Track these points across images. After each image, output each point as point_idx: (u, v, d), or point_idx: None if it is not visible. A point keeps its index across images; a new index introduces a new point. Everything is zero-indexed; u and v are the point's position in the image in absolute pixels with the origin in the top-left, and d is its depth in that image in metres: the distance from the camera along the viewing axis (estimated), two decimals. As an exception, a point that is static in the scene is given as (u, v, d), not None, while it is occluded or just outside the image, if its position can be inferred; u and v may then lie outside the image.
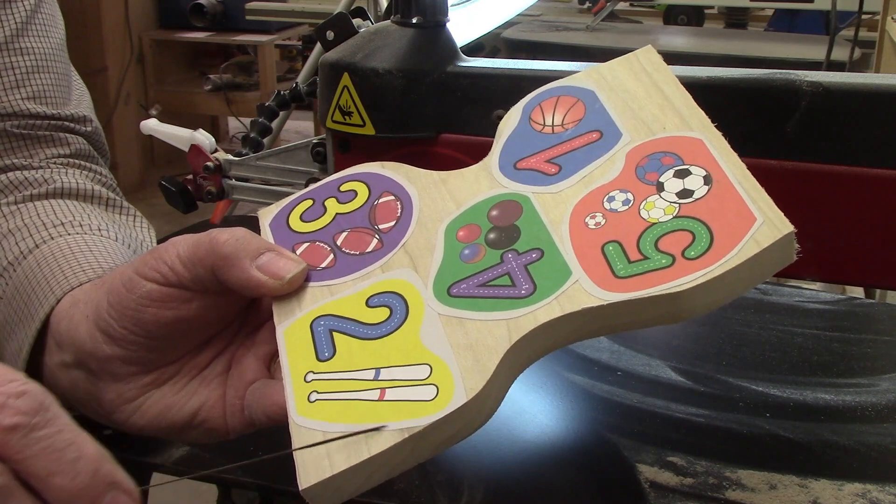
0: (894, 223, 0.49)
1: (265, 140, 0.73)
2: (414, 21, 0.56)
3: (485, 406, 0.37)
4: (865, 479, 0.49)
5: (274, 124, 0.74)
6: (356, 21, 0.60)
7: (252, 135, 0.72)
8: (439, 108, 0.56)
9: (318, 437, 0.36)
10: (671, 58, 0.46)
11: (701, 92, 0.50)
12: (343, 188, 0.46)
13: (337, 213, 0.45)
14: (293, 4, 2.83)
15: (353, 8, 0.92)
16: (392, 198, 0.45)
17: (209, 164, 0.67)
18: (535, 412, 0.55)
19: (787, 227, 0.36)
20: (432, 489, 0.47)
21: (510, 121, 0.47)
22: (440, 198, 0.45)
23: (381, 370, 0.38)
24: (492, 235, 0.42)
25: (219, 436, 0.43)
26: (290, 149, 0.65)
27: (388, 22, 0.58)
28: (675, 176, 0.40)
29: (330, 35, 0.58)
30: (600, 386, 0.58)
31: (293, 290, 0.42)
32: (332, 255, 0.44)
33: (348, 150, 0.58)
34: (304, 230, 0.45)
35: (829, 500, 0.47)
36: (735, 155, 0.40)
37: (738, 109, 0.50)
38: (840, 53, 1.88)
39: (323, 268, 0.43)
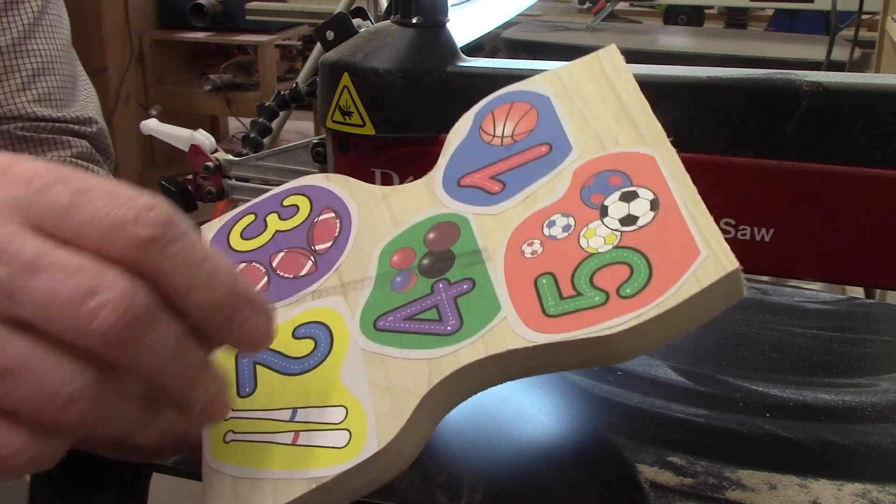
0: (894, 223, 0.49)
1: (265, 140, 0.73)
2: (414, 21, 0.56)
3: (402, 453, 0.35)
4: (865, 479, 0.49)
5: (274, 124, 0.74)
6: (356, 21, 0.60)
7: (252, 135, 0.72)
8: (439, 108, 0.56)
9: (228, 481, 0.34)
10: (671, 58, 0.46)
11: (701, 92, 0.50)
12: (286, 202, 0.44)
13: (276, 231, 0.43)
14: (293, 4, 2.83)
15: (353, 8, 0.92)
16: (332, 215, 0.43)
17: (209, 164, 0.67)
18: (535, 412, 0.55)
19: (732, 263, 0.34)
20: (432, 489, 0.47)
21: (460, 130, 0.44)
22: (379, 217, 0.42)
23: (298, 410, 0.36)
24: (425, 261, 0.39)
25: (150, 456, 0.41)
26: (290, 149, 0.65)
27: (388, 22, 0.58)
28: (620, 199, 0.38)
29: (330, 35, 0.58)
30: (600, 386, 0.58)
31: None
32: (266, 278, 0.41)
33: (348, 150, 0.58)
34: (243, 249, 0.42)
35: (829, 500, 0.47)
36: (687, 176, 0.38)
37: (738, 109, 0.50)
38: (840, 53, 1.88)
39: None
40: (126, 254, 0.27)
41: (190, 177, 0.68)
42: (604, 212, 0.38)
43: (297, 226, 0.43)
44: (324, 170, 0.62)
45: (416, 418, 0.35)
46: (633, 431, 0.53)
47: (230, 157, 0.68)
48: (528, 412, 0.55)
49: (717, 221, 0.50)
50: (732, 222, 0.51)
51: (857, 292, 1.45)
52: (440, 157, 0.44)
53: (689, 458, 0.50)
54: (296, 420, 0.35)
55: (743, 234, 0.51)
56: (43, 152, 0.64)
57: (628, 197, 0.37)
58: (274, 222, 0.43)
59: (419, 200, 0.42)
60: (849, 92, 0.48)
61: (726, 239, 0.51)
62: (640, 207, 0.37)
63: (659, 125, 0.40)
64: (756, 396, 0.57)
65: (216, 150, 0.68)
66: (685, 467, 0.49)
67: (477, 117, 0.44)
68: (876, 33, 1.90)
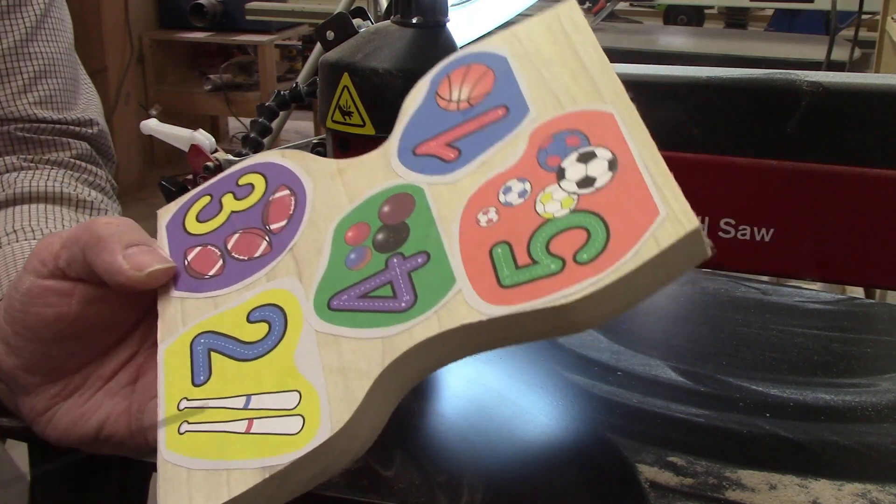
0: (894, 223, 0.49)
1: (265, 140, 0.73)
2: (414, 21, 0.56)
3: (357, 437, 0.34)
4: (865, 479, 0.49)
5: (274, 124, 0.74)
6: (356, 21, 0.60)
7: (252, 135, 0.72)
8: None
9: (183, 474, 0.34)
10: (671, 58, 0.45)
11: (701, 92, 0.50)
12: (241, 181, 0.43)
13: (232, 212, 0.42)
14: (293, 4, 2.83)
15: (353, 8, 0.92)
16: (287, 192, 0.41)
17: (209, 164, 0.67)
18: (535, 412, 0.55)
19: (692, 222, 0.32)
20: (432, 489, 0.47)
21: (416, 96, 0.43)
22: (335, 191, 0.40)
23: (252, 397, 0.35)
24: (380, 236, 0.38)
25: (129, 451, 0.41)
26: (290, 149, 0.65)
27: (388, 22, 0.57)
28: (578, 160, 0.36)
29: (330, 35, 0.58)
30: (600, 386, 0.58)
31: (156, 285, 0.40)
32: (221, 261, 0.40)
33: (348, 150, 0.58)
34: (198, 232, 0.42)
35: (829, 500, 0.47)
36: (646, 132, 0.36)
37: (738, 109, 0.50)
38: (840, 53, 1.88)
39: (211, 276, 0.40)
40: None
41: (190, 177, 0.68)
42: (561, 174, 0.36)
43: (253, 205, 0.42)
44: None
45: (370, 400, 0.34)
46: (633, 431, 0.53)
47: (230, 157, 0.68)
48: (528, 412, 0.55)
49: (716, 221, 0.51)
50: (732, 222, 0.51)
51: (857, 292, 1.45)
52: (395, 126, 0.42)
53: (689, 458, 0.50)
54: (249, 407, 0.35)
55: (743, 234, 0.51)
56: (42, 153, 0.64)
57: (586, 158, 0.36)
58: (229, 203, 0.42)
59: (374, 173, 0.41)
60: (849, 92, 0.48)
61: (726, 239, 0.51)
62: (598, 168, 0.35)
63: (619, 81, 0.38)
64: (756, 396, 0.57)
65: (216, 150, 0.68)
66: (685, 467, 0.49)
67: (433, 82, 0.43)
68: (876, 33, 1.90)
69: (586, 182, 0.35)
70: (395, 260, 0.37)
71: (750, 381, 0.59)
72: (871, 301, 0.83)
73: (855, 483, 0.48)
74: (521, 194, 0.36)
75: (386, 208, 0.39)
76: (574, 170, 0.36)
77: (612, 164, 0.35)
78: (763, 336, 0.65)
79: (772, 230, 0.50)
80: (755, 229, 0.50)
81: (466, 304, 0.34)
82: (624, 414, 0.55)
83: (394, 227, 0.38)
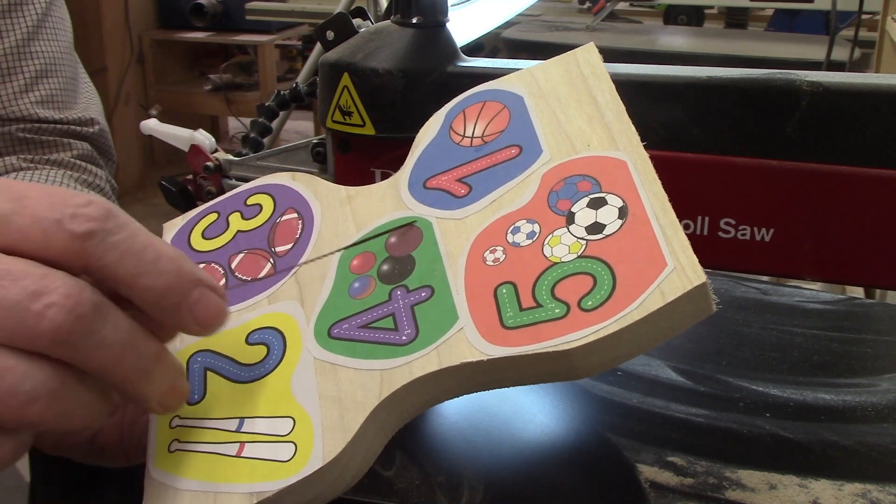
0: (894, 223, 0.49)
1: (265, 140, 0.73)
2: (414, 21, 0.56)
3: (349, 468, 0.33)
4: (865, 479, 0.49)
5: (274, 124, 0.74)
6: (356, 21, 0.60)
7: (252, 135, 0.72)
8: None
9: (170, 493, 0.33)
10: (671, 58, 0.45)
11: (701, 92, 0.50)
12: (249, 201, 0.43)
13: (238, 231, 0.42)
14: (293, 4, 2.83)
15: (353, 8, 0.92)
16: (295, 216, 0.41)
17: (209, 164, 0.67)
18: (535, 412, 0.55)
19: (699, 277, 0.32)
20: (432, 489, 0.47)
21: (429, 129, 0.43)
22: (342, 219, 0.41)
23: (245, 420, 0.34)
24: (385, 267, 0.38)
25: (122, 462, 0.41)
26: (290, 149, 0.65)
27: (388, 22, 0.58)
28: (588, 206, 0.36)
29: (330, 35, 0.58)
30: (600, 386, 0.58)
31: None
32: (223, 280, 0.40)
33: (348, 150, 0.58)
34: (203, 249, 0.41)
35: (829, 500, 0.47)
36: (658, 183, 0.36)
37: (738, 109, 0.50)
38: (840, 53, 1.89)
39: None
40: (67, 251, 0.28)
41: (190, 177, 0.68)
42: (570, 219, 0.36)
43: (259, 226, 0.42)
44: (324, 170, 0.62)
45: (364, 432, 0.33)
46: (633, 431, 0.53)
47: (230, 157, 0.68)
48: (528, 412, 0.55)
49: (717, 221, 0.51)
50: (732, 222, 0.51)
51: (857, 292, 1.45)
52: (408, 158, 0.42)
53: (689, 458, 0.50)
54: (242, 430, 0.34)
55: (743, 234, 0.51)
56: (44, 154, 0.64)
57: (596, 204, 0.36)
58: (236, 222, 0.42)
59: (383, 203, 0.41)
60: (849, 92, 0.48)
61: (726, 239, 0.51)
62: (608, 215, 0.36)
63: (633, 129, 0.39)
64: (756, 396, 0.57)
65: (216, 150, 0.68)
66: (685, 467, 0.49)
67: (447, 117, 0.43)
68: (876, 33, 1.91)
69: (595, 228, 0.35)
70: (398, 292, 0.37)
71: (750, 381, 0.59)
72: (871, 301, 0.83)
73: (855, 483, 0.48)
74: (530, 236, 0.36)
75: (393, 239, 0.39)
76: (584, 215, 0.36)
77: (623, 212, 0.35)
78: (763, 336, 0.65)
79: (772, 230, 0.50)
80: (755, 229, 0.50)
81: (468, 342, 0.34)
82: (624, 414, 0.55)
83: (399, 259, 0.38)
